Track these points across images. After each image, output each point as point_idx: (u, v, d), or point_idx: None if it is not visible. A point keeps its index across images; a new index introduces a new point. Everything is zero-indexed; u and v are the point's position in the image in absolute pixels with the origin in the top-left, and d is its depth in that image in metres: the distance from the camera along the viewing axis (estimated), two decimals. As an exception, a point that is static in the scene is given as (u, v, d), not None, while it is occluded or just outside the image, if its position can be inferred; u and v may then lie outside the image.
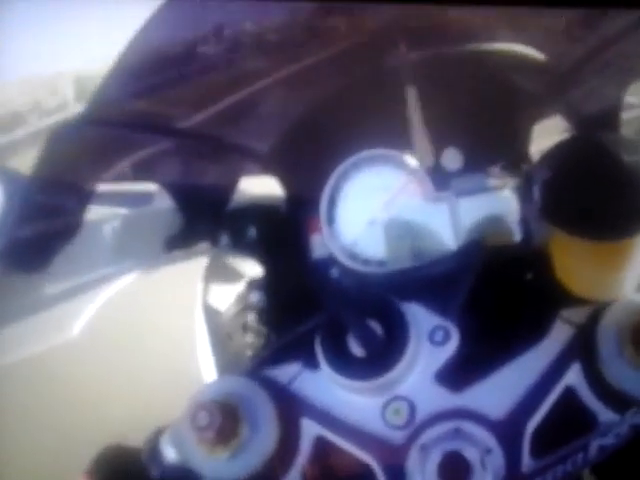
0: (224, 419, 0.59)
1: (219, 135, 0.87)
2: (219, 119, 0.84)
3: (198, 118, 0.84)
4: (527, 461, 0.61)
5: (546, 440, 0.62)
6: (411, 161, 0.81)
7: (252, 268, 0.85)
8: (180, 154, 0.89)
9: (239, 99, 0.83)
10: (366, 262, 0.81)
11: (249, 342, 0.84)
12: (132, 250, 0.90)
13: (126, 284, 0.87)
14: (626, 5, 0.66)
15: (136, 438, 0.67)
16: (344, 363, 0.65)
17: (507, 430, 0.62)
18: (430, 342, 0.67)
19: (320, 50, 0.81)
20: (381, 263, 0.81)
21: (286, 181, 0.89)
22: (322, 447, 0.65)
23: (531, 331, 0.67)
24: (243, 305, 0.85)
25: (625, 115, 0.82)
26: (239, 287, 0.86)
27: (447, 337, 0.67)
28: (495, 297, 0.70)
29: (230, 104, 0.83)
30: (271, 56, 0.80)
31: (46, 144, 0.78)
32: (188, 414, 0.60)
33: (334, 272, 0.81)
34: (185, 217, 0.89)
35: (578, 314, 0.67)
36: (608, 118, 0.81)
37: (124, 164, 0.86)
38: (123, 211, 0.92)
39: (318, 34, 0.79)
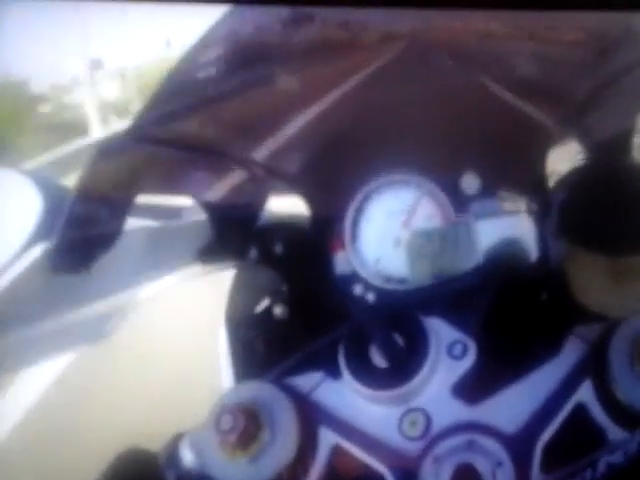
0: (246, 423, 0.61)
1: (249, 156, 0.90)
2: (250, 140, 0.87)
3: (232, 140, 0.87)
4: (537, 476, 0.62)
5: (556, 456, 0.62)
6: (431, 185, 0.83)
7: (277, 282, 0.87)
8: (213, 171, 0.92)
9: (269, 121, 0.86)
10: (388, 279, 0.83)
11: (271, 354, 0.86)
12: (162, 261, 0.93)
13: (154, 293, 0.89)
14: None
15: (155, 443, 0.69)
16: (366, 373, 0.67)
17: (518, 444, 0.63)
18: (448, 355, 0.69)
19: (347, 74, 0.84)
20: (403, 280, 0.83)
21: (311, 201, 0.91)
22: (338, 455, 0.66)
23: (545, 348, 0.68)
24: (268, 318, 0.87)
25: (637, 139, 0.83)
26: (264, 300, 0.87)
27: (465, 351, 0.69)
28: (512, 314, 0.72)
29: (260, 126, 0.86)
30: (299, 78, 0.83)
31: (91, 159, 0.82)
32: (212, 417, 0.62)
33: (357, 288, 0.82)
34: (215, 232, 0.91)
35: (591, 331, 0.68)
36: (621, 143, 0.83)
37: (162, 180, 0.89)
38: (154, 223, 0.94)
39: (344, 56, 0.82)
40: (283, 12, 0.77)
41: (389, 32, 0.80)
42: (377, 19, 0.80)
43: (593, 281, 0.71)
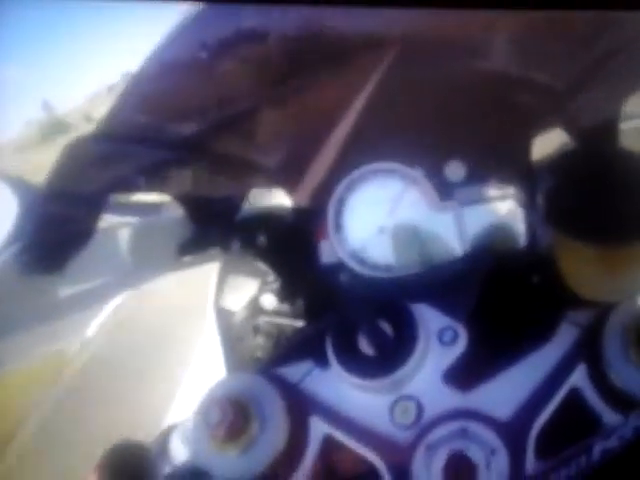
0: (235, 416, 0.60)
1: (227, 149, 0.89)
2: (227, 133, 0.86)
3: (208, 132, 0.86)
4: (531, 462, 0.61)
5: (551, 441, 0.62)
6: (415, 173, 0.83)
7: (263, 273, 0.86)
8: (191, 167, 0.91)
9: (247, 115, 0.85)
10: (374, 267, 0.82)
11: (260, 344, 0.85)
12: (143, 257, 0.92)
13: (138, 289, 0.88)
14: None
15: (146, 435, 0.68)
16: (354, 361, 0.66)
17: (512, 431, 0.62)
18: (439, 342, 0.68)
19: (327, 67, 0.83)
20: (389, 268, 0.82)
21: (293, 193, 0.91)
22: (329, 445, 0.65)
23: (537, 333, 0.68)
24: (254, 308, 0.86)
25: (624, 125, 0.83)
26: (250, 291, 0.87)
27: (456, 337, 0.68)
28: (503, 299, 0.71)
29: (238, 119, 0.85)
30: (278, 74, 0.83)
31: (60, 157, 0.80)
32: (200, 410, 0.61)
33: (343, 277, 0.82)
34: (196, 226, 0.90)
35: (584, 316, 0.68)
36: (607, 129, 0.82)
37: (136, 176, 0.88)
38: (134, 220, 0.93)
39: (327, 50, 0.81)
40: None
41: (378, 37, 0.80)
42: (361, 24, 0.79)
43: (581, 269, 0.70)
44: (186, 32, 0.81)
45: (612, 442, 0.60)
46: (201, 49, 0.83)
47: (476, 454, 0.61)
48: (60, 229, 0.83)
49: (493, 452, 0.61)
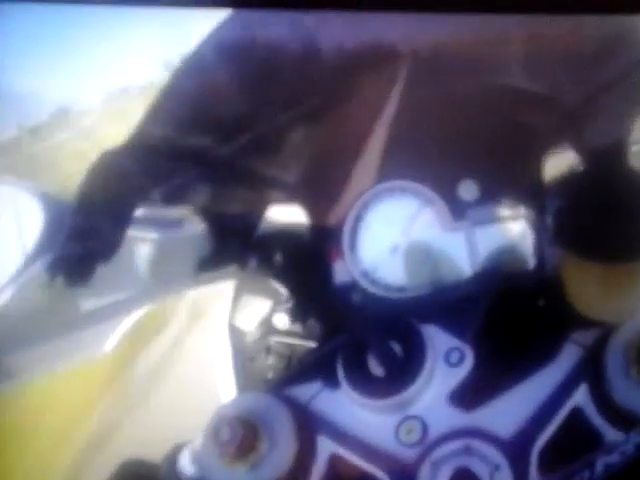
0: (245, 434, 0.61)
1: (247, 166, 0.91)
2: (249, 150, 0.88)
3: (228, 149, 0.88)
4: (535, 478, 0.62)
5: (553, 458, 0.62)
6: (429, 192, 0.84)
7: (278, 291, 0.87)
8: (211, 182, 0.93)
9: (269, 132, 0.87)
10: (387, 287, 0.84)
11: (271, 364, 0.87)
12: (164, 272, 0.93)
13: (156, 304, 0.90)
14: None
15: (157, 452, 0.69)
16: (364, 382, 0.67)
17: (516, 448, 0.63)
18: (445, 363, 0.69)
19: (344, 86, 0.84)
20: (401, 289, 0.84)
21: (310, 210, 0.92)
22: (336, 464, 0.66)
23: (542, 353, 0.68)
24: (267, 328, 0.88)
25: (633, 147, 0.83)
26: (264, 310, 0.88)
27: (462, 359, 0.69)
28: (509, 321, 0.72)
29: (260, 137, 0.87)
30: (297, 90, 0.84)
31: (88, 171, 0.83)
32: (211, 429, 0.62)
33: (355, 297, 0.83)
34: (214, 242, 0.92)
35: (588, 336, 0.68)
36: (616, 150, 0.83)
37: (158, 191, 0.90)
38: (155, 235, 0.95)
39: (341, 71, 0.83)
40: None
41: (390, 53, 0.81)
42: (372, 41, 0.81)
43: (588, 288, 0.71)
44: (210, 47, 0.83)
45: (614, 457, 0.60)
46: (223, 65, 0.85)
47: (480, 470, 0.61)
48: (87, 242, 0.85)
49: (497, 468, 0.62)
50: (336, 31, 0.82)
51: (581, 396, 0.65)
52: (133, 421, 0.84)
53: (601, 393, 0.64)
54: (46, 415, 0.82)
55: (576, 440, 0.64)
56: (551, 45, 0.78)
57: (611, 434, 0.63)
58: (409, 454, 0.65)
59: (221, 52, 0.84)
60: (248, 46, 0.83)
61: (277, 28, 0.82)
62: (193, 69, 0.85)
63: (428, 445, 0.65)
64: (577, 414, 0.65)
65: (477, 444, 0.63)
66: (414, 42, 0.81)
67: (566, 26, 0.75)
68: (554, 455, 0.63)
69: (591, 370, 0.65)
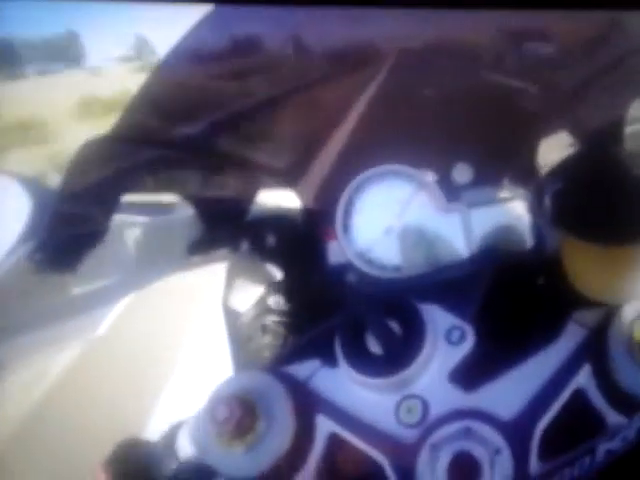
0: (242, 413, 0.60)
1: (238, 150, 0.90)
2: (237, 135, 0.87)
3: (218, 134, 0.87)
4: (535, 463, 0.61)
5: (555, 442, 0.62)
6: (423, 176, 0.84)
7: (271, 272, 0.87)
8: (201, 167, 0.92)
9: (257, 116, 0.86)
10: (382, 267, 0.83)
11: (268, 343, 0.86)
12: (153, 257, 0.93)
13: (148, 287, 0.89)
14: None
15: (152, 432, 0.68)
16: (362, 360, 0.66)
17: (516, 431, 0.62)
18: (446, 341, 0.68)
19: (335, 71, 0.84)
20: (397, 268, 0.83)
21: (302, 194, 0.91)
22: (335, 444, 0.65)
23: (544, 333, 0.68)
24: (262, 308, 0.87)
25: (629, 128, 0.84)
26: (258, 290, 0.87)
27: (463, 337, 0.68)
28: (510, 300, 0.71)
29: (248, 121, 0.86)
30: (286, 79, 0.84)
31: (74, 158, 0.82)
32: (208, 408, 0.62)
33: (351, 277, 0.83)
34: (206, 226, 0.91)
35: (590, 316, 0.68)
36: (612, 132, 0.83)
37: (146, 177, 0.89)
38: (146, 219, 0.95)
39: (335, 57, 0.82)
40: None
41: (381, 40, 0.81)
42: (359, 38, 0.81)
43: (587, 269, 0.71)
44: (196, 35, 0.82)
45: (616, 443, 0.61)
46: (210, 52, 0.84)
47: (480, 453, 0.61)
48: (73, 228, 0.84)
49: (497, 452, 0.61)
50: (321, 18, 0.82)
51: (584, 378, 0.65)
52: (128, 402, 0.83)
53: (604, 375, 0.63)
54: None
55: (578, 424, 0.63)
56: (545, 30, 0.78)
57: (613, 418, 0.63)
58: (409, 435, 0.64)
59: (208, 40, 0.83)
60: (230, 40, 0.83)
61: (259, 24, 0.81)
62: (179, 56, 0.84)
63: (428, 426, 0.64)
64: (579, 396, 0.64)
65: (477, 426, 0.63)
66: (402, 31, 0.81)
67: (559, 14, 0.75)
68: (556, 440, 0.62)
69: (594, 351, 0.65)
